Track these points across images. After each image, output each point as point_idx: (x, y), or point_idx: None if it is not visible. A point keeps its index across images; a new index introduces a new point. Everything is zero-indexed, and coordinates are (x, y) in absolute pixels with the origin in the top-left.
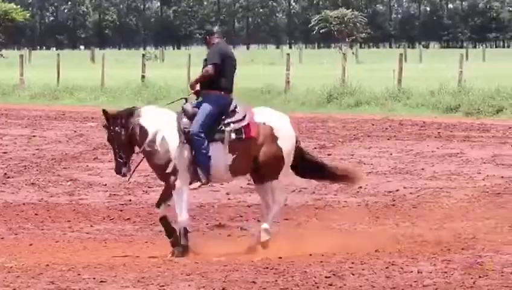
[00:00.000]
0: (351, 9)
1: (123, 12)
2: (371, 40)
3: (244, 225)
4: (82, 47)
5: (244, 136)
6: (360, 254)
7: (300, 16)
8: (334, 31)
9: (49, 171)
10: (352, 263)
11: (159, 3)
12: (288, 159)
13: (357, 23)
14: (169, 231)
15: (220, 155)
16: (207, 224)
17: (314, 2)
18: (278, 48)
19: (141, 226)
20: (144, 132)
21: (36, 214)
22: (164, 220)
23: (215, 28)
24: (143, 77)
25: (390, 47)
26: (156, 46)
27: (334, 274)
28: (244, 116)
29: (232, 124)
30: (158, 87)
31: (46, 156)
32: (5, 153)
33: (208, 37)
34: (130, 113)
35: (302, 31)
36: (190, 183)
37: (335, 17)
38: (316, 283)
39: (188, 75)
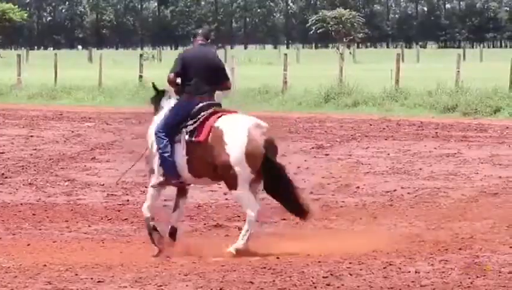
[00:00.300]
0: (348, 10)
1: (120, 12)
2: (369, 40)
3: (242, 225)
4: (80, 47)
5: (194, 139)
6: (357, 254)
7: (297, 16)
8: (332, 31)
9: (46, 172)
10: (350, 263)
11: (156, 4)
12: (242, 169)
13: (355, 23)
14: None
15: (178, 156)
16: (205, 224)
17: (312, 2)
18: (275, 48)
19: (139, 226)
20: None
21: (34, 214)
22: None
23: (200, 31)
24: (140, 77)
25: (388, 47)
26: (153, 46)
27: (331, 274)
28: (199, 118)
29: (188, 126)
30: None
31: (44, 156)
32: (2, 153)
33: (192, 40)
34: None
35: (299, 31)
36: (164, 182)
37: (332, 17)
38: (313, 283)
39: None
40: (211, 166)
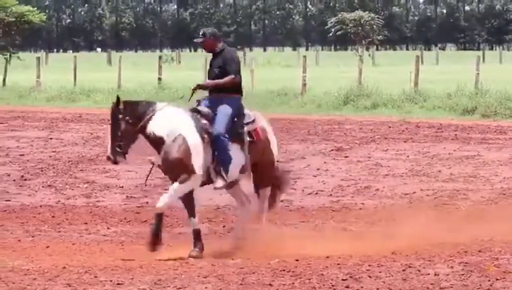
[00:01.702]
0: (367, 12)
1: (140, 14)
2: (388, 43)
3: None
4: (99, 49)
5: (254, 139)
6: (377, 256)
7: (317, 18)
8: (351, 33)
9: (65, 174)
10: (369, 265)
11: (175, 6)
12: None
13: (374, 26)
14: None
15: (237, 156)
16: (224, 226)
17: (331, 4)
18: (294, 50)
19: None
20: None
21: (53, 216)
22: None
23: (216, 32)
24: (159, 79)
25: (407, 49)
26: (172, 48)
27: (351, 277)
28: (254, 120)
29: (245, 126)
30: (175, 89)
31: (63, 158)
32: (22, 155)
33: (211, 38)
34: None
35: (318, 33)
36: (204, 184)
37: (352, 20)
38: (332, 285)
39: (204, 77)
40: (255, 165)
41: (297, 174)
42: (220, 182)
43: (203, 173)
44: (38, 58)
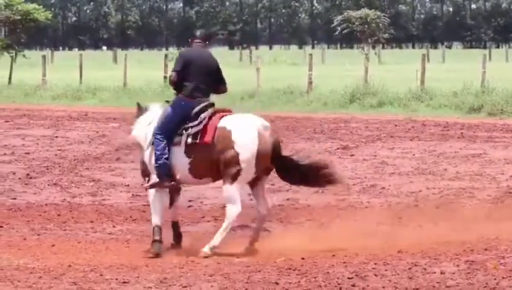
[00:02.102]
0: (373, 10)
1: (145, 12)
2: (394, 41)
3: (266, 225)
4: (104, 47)
5: (199, 141)
6: (382, 254)
7: (323, 16)
8: (357, 31)
9: (71, 172)
10: (375, 263)
11: (181, 4)
12: (249, 167)
13: (380, 24)
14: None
15: (177, 158)
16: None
17: (337, 2)
18: (300, 48)
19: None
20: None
21: (59, 215)
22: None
23: (197, 32)
24: (165, 77)
25: (413, 48)
26: (178, 46)
27: (356, 275)
28: (201, 121)
29: (190, 128)
30: None
31: (69, 157)
32: (27, 153)
33: (189, 40)
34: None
35: (324, 32)
36: (157, 184)
37: (358, 18)
38: (338, 283)
39: None
40: (215, 166)
41: None
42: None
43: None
44: (43, 57)
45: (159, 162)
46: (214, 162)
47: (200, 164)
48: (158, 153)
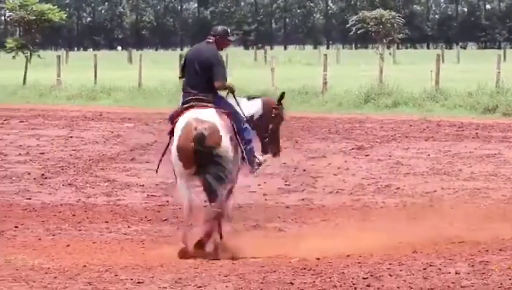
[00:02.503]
0: (388, 10)
1: (160, 13)
2: (409, 41)
3: (281, 226)
4: (119, 48)
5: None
6: (397, 255)
7: (337, 16)
8: (372, 31)
9: (86, 172)
10: (390, 264)
11: (196, 4)
12: (175, 159)
13: (395, 24)
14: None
15: None
16: (244, 225)
17: (352, 2)
18: (315, 48)
19: (179, 227)
20: None
21: (73, 215)
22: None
23: (213, 29)
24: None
25: (428, 48)
26: (193, 47)
27: (371, 275)
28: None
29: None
30: None
31: (84, 157)
32: (42, 153)
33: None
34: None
35: (339, 32)
36: None
37: (372, 18)
38: (353, 284)
39: None
40: None
41: (318, 173)
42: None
43: None
44: (58, 57)
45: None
46: None
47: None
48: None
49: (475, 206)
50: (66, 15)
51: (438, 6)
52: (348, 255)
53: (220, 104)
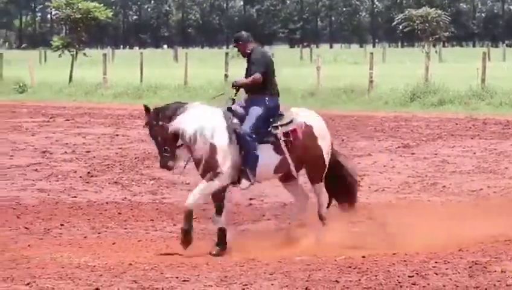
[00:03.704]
0: (434, 8)
1: (206, 11)
2: (454, 39)
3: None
4: (165, 46)
5: (291, 139)
6: (443, 253)
7: (383, 14)
8: (418, 30)
9: (132, 170)
10: (436, 262)
11: (242, 2)
12: (327, 159)
13: (441, 22)
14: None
15: (268, 156)
16: (289, 223)
17: (398, 0)
18: (361, 46)
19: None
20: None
21: (119, 213)
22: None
23: (245, 34)
24: (226, 76)
25: (474, 46)
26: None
27: (417, 273)
28: (292, 120)
29: (280, 127)
30: None
31: (129, 155)
32: (88, 152)
33: (241, 42)
34: (176, 108)
35: (385, 30)
36: (231, 183)
37: (418, 16)
38: (399, 282)
39: None
40: (300, 162)
41: (364, 171)
42: (244, 183)
43: (233, 172)
44: (104, 55)
45: (253, 161)
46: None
47: (286, 161)
48: (254, 153)
49: None
50: (112, 13)
51: (484, 5)
52: (394, 254)
53: None
